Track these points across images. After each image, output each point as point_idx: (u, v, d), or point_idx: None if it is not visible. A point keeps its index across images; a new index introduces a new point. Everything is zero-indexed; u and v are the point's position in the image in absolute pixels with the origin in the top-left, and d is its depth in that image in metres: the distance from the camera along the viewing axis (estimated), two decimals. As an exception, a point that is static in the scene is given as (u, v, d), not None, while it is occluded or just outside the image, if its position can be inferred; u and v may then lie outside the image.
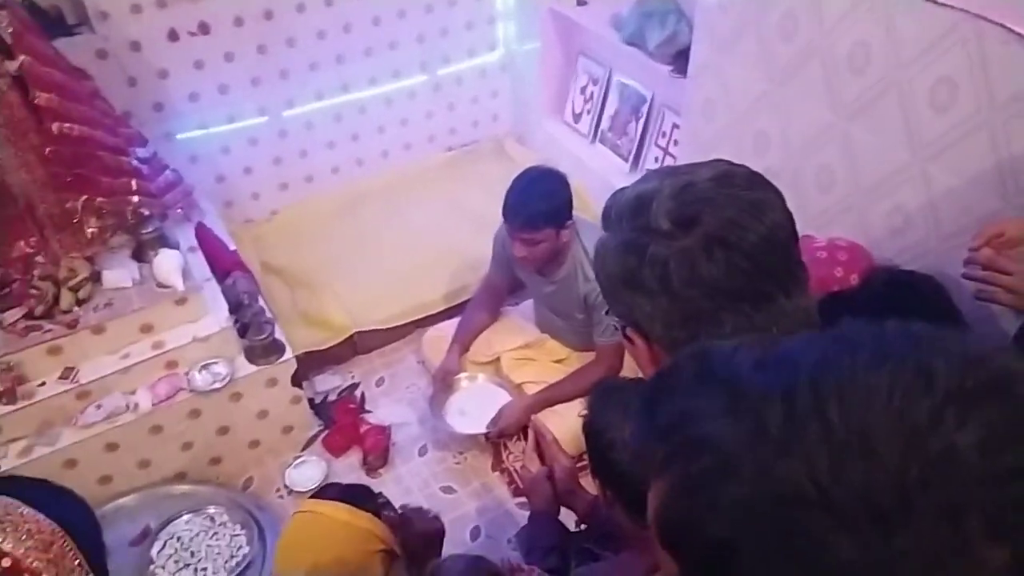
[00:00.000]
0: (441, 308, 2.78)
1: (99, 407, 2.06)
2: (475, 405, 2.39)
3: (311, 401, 2.54)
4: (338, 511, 1.22)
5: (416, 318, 2.78)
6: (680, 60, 2.41)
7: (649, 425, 0.51)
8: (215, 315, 2.24)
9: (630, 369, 2.30)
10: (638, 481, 1.20)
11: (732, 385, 0.47)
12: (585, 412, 1.30)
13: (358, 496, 1.27)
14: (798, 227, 0.78)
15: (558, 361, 2.43)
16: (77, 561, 0.73)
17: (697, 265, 0.72)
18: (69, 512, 0.78)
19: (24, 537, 0.69)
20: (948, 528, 0.39)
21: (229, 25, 2.69)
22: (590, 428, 1.26)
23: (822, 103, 1.86)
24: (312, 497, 1.30)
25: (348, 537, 1.20)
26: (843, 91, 1.80)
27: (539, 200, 2.02)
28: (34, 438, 2.04)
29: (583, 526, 1.69)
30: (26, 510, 0.71)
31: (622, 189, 0.82)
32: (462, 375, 2.47)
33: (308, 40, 2.87)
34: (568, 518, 1.67)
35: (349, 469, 2.41)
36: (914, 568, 0.39)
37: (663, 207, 0.74)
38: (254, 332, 2.26)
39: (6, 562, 0.66)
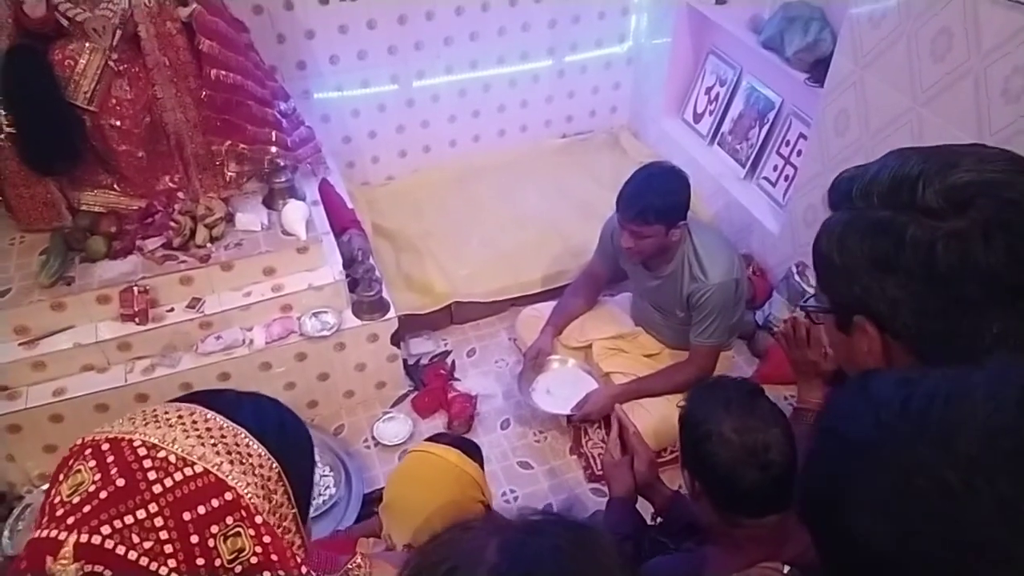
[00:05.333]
0: (538, 290, 2.84)
1: (219, 338, 2.22)
2: (562, 387, 2.43)
3: (404, 362, 2.64)
4: (450, 454, 1.29)
5: (513, 296, 2.84)
6: (817, 69, 2.35)
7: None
8: (330, 267, 2.36)
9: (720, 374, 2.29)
10: (730, 475, 1.21)
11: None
12: (683, 403, 1.31)
13: (469, 448, 1.33)
14: None
15: (649, 356, 2.44)
16: (291, 507, 0.68)
17: (971, 250, 0.65)
18: (292, 448, 0.72)
19: (247, 472, 0.64)
20: None
21: (375, -6, 2.81)
22: (688, 419, 1.27)
23: (969, 127, 1.79)
24: (427, 440, 1.38)
25: (456, 480, 1.27)
26: (995, 118, 1.72)
27: (655, 196, 2.01)
28: (158, 359, 2.21)
29: (659, 520, 1.70)
30: (253, 442, 0.66)
31: (859, 167, 0.76)
32: (554, 357, 2.50)
33: (446, 15, 2.96)
34: (644, 510, 1.69)
35: (433, 431, 2.48)
36: None
37: (933, 185, 0.67)
38: (363, 288, 2.36)
39: (229, 495, 0.62)
